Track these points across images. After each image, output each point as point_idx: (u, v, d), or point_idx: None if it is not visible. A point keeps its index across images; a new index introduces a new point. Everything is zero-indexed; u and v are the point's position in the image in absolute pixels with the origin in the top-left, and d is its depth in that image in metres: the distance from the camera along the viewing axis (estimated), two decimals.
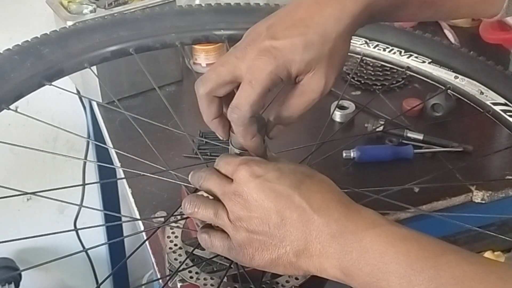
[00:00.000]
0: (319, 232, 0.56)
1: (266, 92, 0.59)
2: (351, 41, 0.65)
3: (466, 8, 0.70)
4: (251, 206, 0.58)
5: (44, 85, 0.80)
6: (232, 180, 0.60)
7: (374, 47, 0.91)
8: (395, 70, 1.26)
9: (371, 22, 0.65)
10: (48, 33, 0.86)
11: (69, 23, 1.17)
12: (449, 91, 0.86)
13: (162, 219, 0.82)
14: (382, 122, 1.16)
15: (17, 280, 1.66)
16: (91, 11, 1.21)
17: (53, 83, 0.81)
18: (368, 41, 0.90)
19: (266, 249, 0.58)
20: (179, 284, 0.69)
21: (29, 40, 0.84)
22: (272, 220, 0.57)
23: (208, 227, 0.63)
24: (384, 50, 0.91)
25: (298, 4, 0.62)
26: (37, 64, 0.81)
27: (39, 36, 0.85)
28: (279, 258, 0.58)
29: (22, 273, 1.68)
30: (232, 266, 0.67)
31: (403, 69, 0.89)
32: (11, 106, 0.77)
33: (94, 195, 1.66)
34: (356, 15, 0.61)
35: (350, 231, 0.55)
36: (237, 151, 0.65)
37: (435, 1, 0.68)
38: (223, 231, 0.61)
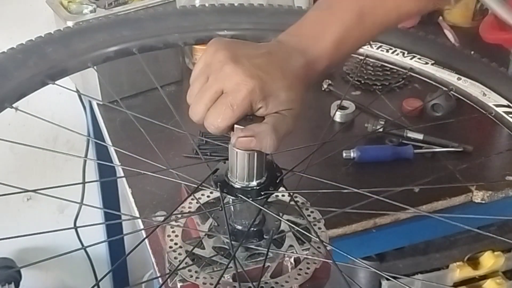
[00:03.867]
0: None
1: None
2: None
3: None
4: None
5: (47, 84, 0.81)
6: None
7: (377, 48, 0.91)
8: (395, 70, 1.26)
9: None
10: (52, 32, 0.86)
11: (69, 23, 1.17)
12: (451, 92, 0.86)
13: (162, 218, 0.82)
14: (382, 122, 1.16)
15: (17, 280, 1.66)
16: (91, 11, 1.21)
17: (56, 82, 0.81)
18: (371, 42, 0.90)
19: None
20: (179, 284, 0.69)
21: (33, 39, 0.84)
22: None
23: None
24: (387, 51, 0.91)
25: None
26: (41, 63, 0.81)
27: (42, 36, 0.85)
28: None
29: (22, 273, 1.68)
30: (231, 265, 0.66)
31: (406, 70, 0.89)
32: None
33: (94, 196, 1.66)
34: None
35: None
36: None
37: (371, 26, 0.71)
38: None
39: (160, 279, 0.81)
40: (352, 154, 1.10)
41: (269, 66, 0.62)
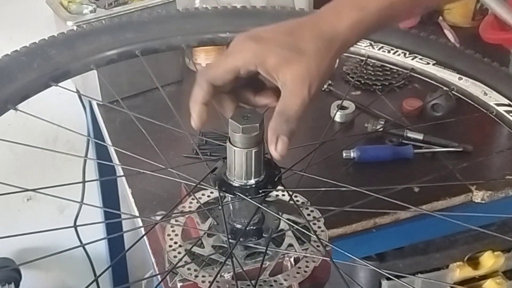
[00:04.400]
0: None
1: (234, 70, 0.61)
2: (356, 43, 0.66)
3: None
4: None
5: (50, 86, 0.81)
6: None
7: (379, 49, 0.91)
8: (395, 70, 1.26)
9: (362, 39, 0.69)
10: (56, 35, 0.87)
11: (69, 23, 1.17)
12: (453, 92, 0.86)
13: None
14: (382, 122, 1.16)
15: (17, 280, 1.66)
16: (91, 11, 1.21)
17: (59, 84, 0.82)
18: (373, 43, 0.91)
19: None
20: (179, 284, 0.69)
21: (36, 41, 0.84)
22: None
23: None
24: (389, 52, 0.91)
25: (298, 18, 0.65)
26: (44, 65, 0.81)
27: (46, 38, 0.85)
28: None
29: (22, 273, 1.68)
30: (227, 262, 0.66)
31: (408, 71, 0.89)
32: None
33: (94, 196, 1.66)
34: (345, 33, 0.64)
35: None
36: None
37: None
38: None
39: (158, 276, 0.82)
40: (352, 154, 1.10)
41: (283, 30, 0.63)
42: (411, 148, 1.12)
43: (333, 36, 0.63)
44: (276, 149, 0.61)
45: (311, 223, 0.72)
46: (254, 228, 0.69)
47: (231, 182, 0.65)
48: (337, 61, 0.67)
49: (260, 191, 0.65)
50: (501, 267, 1.26)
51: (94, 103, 1.31)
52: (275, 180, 0.66)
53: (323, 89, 1.29)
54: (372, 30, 0.67)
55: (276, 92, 0.64)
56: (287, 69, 0.60)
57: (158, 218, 0.81)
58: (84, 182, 1.49)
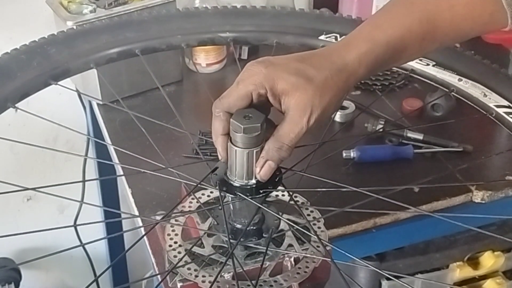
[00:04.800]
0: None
1: (247, 96, 0.62)
2: None
3: (470, 31, 0.72)
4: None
5: (50, 84, 0.81)
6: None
7: None
8: (395, 70, 1.26)
9: (370, 74, 0.68)
10: (55, 33, 0.86)
11: (69, 23, 1.17)
12: (453, 94, 0.86)
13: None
14: (382, 122, 1.16)
15: (17, 280, 1.66)
16: (91, 11, 1.21)
17: (58, 83, 0.82)
18: None
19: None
20: (179, 284, 0.69)
21: (36, 40, 0.84)
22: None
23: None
24: None
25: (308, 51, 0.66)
26: (44, 64, 0.81)
27: (46, 37, 0.85)
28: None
29: (22, 273, 1.68)
30: (228, 262, 0.66)
31: (407, 72, 0.89)
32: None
33: (94, 196, 1.66)
34: (353, 64, 0.64)
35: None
36: None
37: (436, 35, 0.69)
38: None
39: (158, 276, 0.82)
40: (352, 154, 1.10)
41: (294, 57, 0.63)
42: (411, 148, 1.12)
43: (341, 67, 0.63)
44: (259, 172, 0.63)
45: (311, 223, 0.72)
46: (255, 228, 0.69)
47: (232, 182, 0.65)
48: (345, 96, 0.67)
49: (261, 192, 0.65)
50: (501, 267, 1.26)
51: (94, 103, 1.31)
52: (276, 180, 0.66)
53: None
54: (381, 63, 0.67)
55: None
56: (292, 95, 0.61)
57: (158, 218, 0.81)
58: (84, 181, 1.50)
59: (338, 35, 0.91)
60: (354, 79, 0.65)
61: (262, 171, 0.63)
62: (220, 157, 0.65)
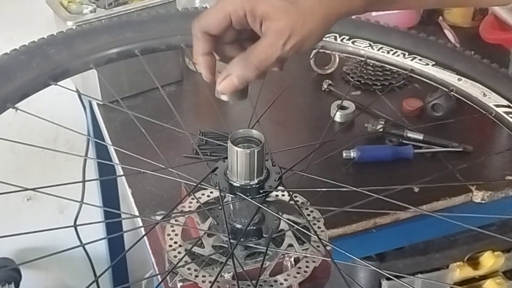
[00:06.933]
0: None
1: (225, 17, 0.59)
2: (355, 44, 0.64)
3: None
4: None
5: (50, 85, 0.81)
6: None
7: (378, 50, 0.91)
8: (395, 70, 1.26)
9: (366, 9, 0.63)
10: (55, 34, 0.87)
11: (69, 23, 1.17)
12: (452, 93, 0.86)
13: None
14: (382, 122, 1.16)
15: (17, 280, 1.66)
16: (91, 11, 1.21)
17: (58, 83, 0.82)
18: (372, 43, 0.91)
19: None
20: (179, 284, 0.69)
21: (36, 40, 0.84)
22: None
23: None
24: (388, 52, 0.91)
25: None
26: (43, 64, 0.81)
27: (45, 37, 0.85)
28: None
29: (22, 273, 1.68)
30: (230, 263, 0.67)
31: (407, 72, 0.89)
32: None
33: (94, 196, 1.66)
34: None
35: None
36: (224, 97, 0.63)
37: None
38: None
39: (159, 276, 0.82)
40: (352, 154, 1.10)
41: None
42: (411, 148, 1.12)
43: None
44: (219, 83, 0.60)
45: (311, 223, 0.72)
46: (255, 228, 0.69)
47: (232, 183, 0.65)
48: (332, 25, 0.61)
49: (261, 192, 0.65)
50: (501, 267, 1.26)
51: (94, 103, 1.31)
52: (276, 180, 0.66)
53: (323, 89, 1.30)
54: (383, 2, 0.63)
55: None
56: (272, 19, 0.57)
57: (158, 218, 0.81)
58: (84, 181, 1.50)
59: (337, 35, 0.90)
60: (346, 10, 0.60)
61: (222, 83, 0.59)
62: (205, 79, 0.63)
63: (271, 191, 0.66)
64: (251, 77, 0.59)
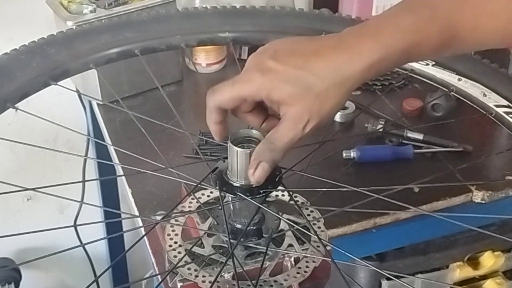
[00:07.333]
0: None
1: (240, 99, 0.61)
2: None
3: (491, 42, 0.65)
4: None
5: (49, 85, 0.81)
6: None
7: None
8: (395, 70, 1.26)
9: (376, 77, 0.66)
10: (55, 34, 0.87)
11: (69, 23, 1.17)
12: (452, 93, 0.86)
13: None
14: (382, 122, 1.16)
15: (17, 280, 1.66)
16: (91, 11, 1.21)
17: (58, 83, 0.82)
18: None
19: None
20: (179, 284, 0.69)
21: (36, 40, 0.84)
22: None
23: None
24: None
25: (318, 40, 0.63)
26: (43, 64, 0.81)
27: (45, 37, 0.85)
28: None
29: (22, 273, 1.68)
30: (228, 262, 0.66)
31: (407, 72, 0.89)
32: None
33: (94, 196, 1.66)
34: (362, 72, 0.60)
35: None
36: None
37: (453, 44, 0.63)
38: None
39: (159, 276, 0.81)
40: (352, 154, 1.10)
41: (295, 60, 0.60)
42: (411, 148, 1.12)
43: (348, 76, 0.59)
44: (253, 174, 0.61)
45: (311, 223, 0.72)
46: (255, 228, 0.69)
47: (232, 183, 0.65)
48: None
49: (261, 192, 0.65)
50: (501, 267, 1.26)
51: (94, 103, 1.31)
52: (276, 180, 0.66)
53: None
54: (391, 68, 0.63)
55: None
56: (289, 104, 0.59)
57: (158, 218, 0.81)
58: (84, 181, 1.50)
59: None
60: (358, 85, 0.61)
61: (256, 173, 0.61)
62: (216, 140, 0.66)
63: (271, 191, 0.66)
64: (280, 159, 0.61)
